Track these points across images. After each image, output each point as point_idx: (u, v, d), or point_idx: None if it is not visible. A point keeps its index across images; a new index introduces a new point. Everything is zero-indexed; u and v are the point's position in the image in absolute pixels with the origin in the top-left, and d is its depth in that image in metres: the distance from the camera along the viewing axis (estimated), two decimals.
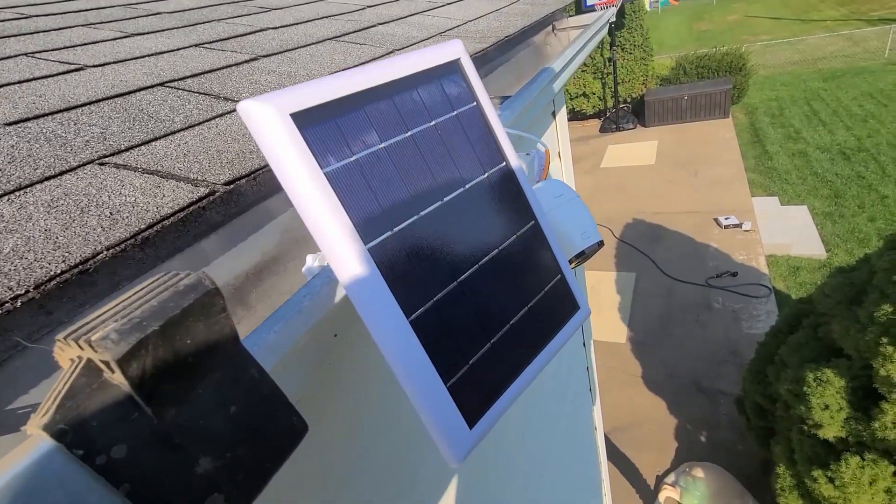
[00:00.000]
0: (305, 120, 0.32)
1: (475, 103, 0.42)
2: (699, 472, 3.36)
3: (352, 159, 0.33)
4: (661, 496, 3.40)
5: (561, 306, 0.44)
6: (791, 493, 2.64)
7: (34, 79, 0.87)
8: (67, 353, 0.24)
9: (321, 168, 0.32)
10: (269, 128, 0.31)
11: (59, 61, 0.98)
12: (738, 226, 6.06)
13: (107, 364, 0.22)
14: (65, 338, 0.23)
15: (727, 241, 5.94)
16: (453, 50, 0.42)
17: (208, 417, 0.26)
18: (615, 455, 3.75)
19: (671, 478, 3.46)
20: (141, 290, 0.25)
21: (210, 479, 0.25)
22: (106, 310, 0.24)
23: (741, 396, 3.50)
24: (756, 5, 20.30)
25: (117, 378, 0.23)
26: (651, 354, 4.69)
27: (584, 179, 8.23)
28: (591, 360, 2.65)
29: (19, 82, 0.84)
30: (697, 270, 5.60)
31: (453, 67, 0.42)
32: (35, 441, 0.22)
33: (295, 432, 0.31)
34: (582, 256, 0.67)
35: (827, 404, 2.35)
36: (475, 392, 0.36)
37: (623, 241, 6.43)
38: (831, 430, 2.34)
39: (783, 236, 5.79)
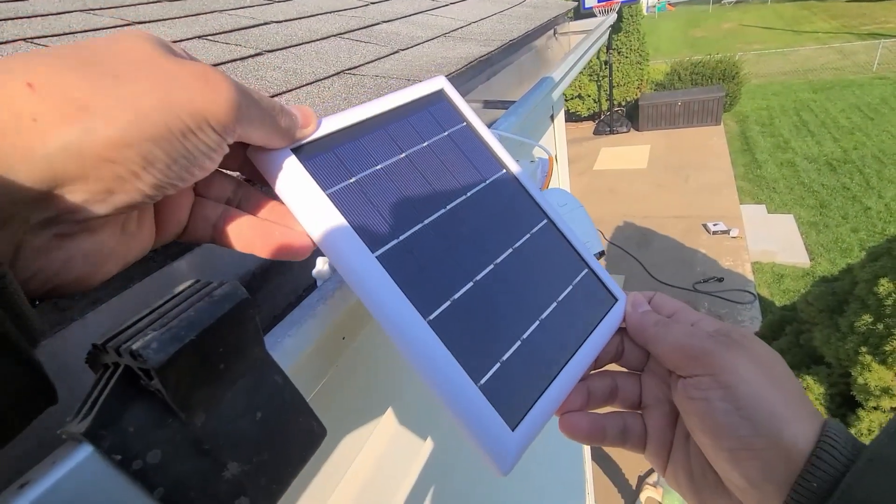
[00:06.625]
0: (306, 152, 0.34)
1: (465, 123, 0.44)
2: None
3: (352, 180, 0.36)
4: (643, 496, 3.46)
5: (595, 299, 0.43)
6: None
7: None
8: (102, 359, 0.24)
9: (323, 190, 0.34)
10: (272, 161, 0.33)
11: None
12: (726, 232, 6.17)
13: (146, 372, 0.23)
14: (102, 345, 0.24)
15: (715, 246, 6.04)
16: (436, 83, 0.45)
17: (236, 423, 0.27)
18: (599, 455, 3.81)
19: (653, 478, 3.53)
20: (175, 297, 0.26)
21: (237, 483, 0.26)
22: (141, 317, 0.25)
23: None
24: (750, 14, 20.57)
25: (154, 386, 0.23)
26: None
27: (577, 181, 8.30)
28: None
29: None
30: (685, 275, 5.69)
31: (438, 96, 0.44)
32: (73, 446, 0.22)
33: (314, 436, 0.31)
34: None
35: None
36: (512, 391, 0.34)
37: (613, 244, 6.50)
38: None
39: (769, 244, 5.90)
